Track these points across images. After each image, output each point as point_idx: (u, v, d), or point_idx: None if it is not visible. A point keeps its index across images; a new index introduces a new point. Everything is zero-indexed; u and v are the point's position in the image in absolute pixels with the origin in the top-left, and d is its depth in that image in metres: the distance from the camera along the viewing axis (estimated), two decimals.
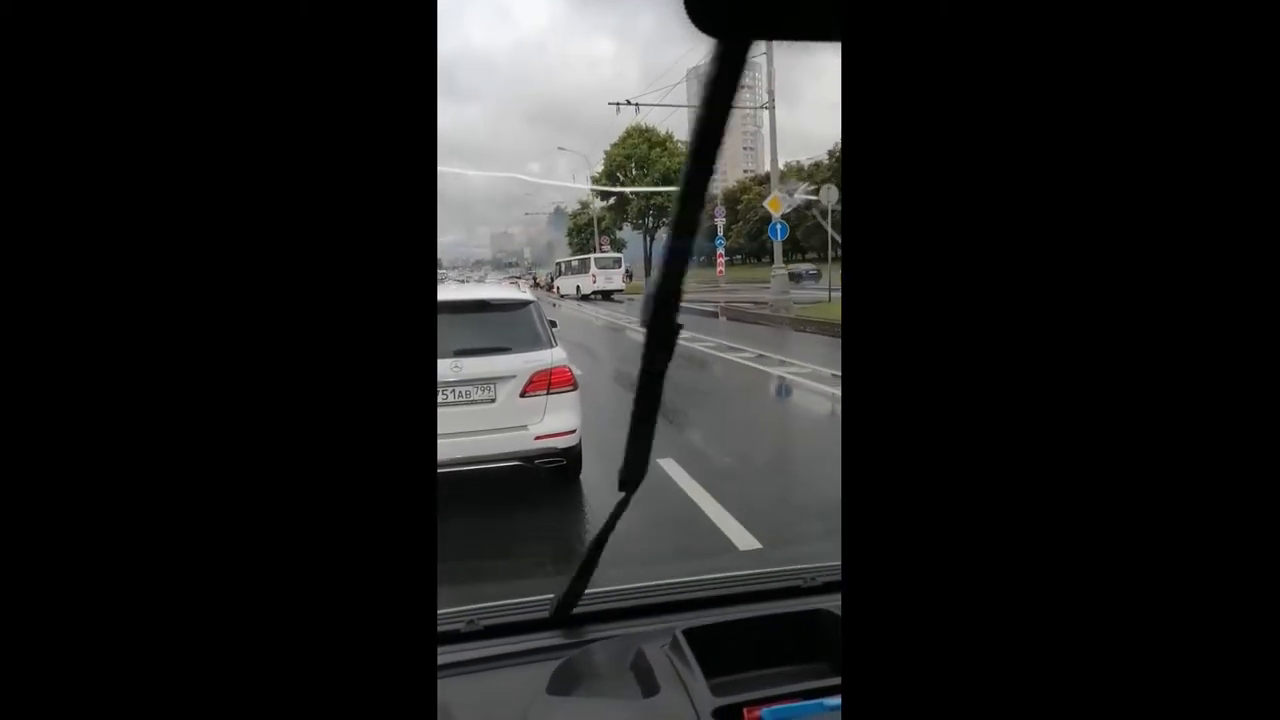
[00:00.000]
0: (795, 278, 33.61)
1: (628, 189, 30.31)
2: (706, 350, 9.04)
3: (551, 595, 0.90)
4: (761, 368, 7.73)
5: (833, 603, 0.86)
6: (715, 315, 15.72)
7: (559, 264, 32.53)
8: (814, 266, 38.69)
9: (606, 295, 26.11)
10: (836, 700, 0.65)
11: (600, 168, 31.68)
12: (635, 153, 29.93)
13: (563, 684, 0.74)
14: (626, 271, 43.92)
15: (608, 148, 31.29)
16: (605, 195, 32.14)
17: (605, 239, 33.91)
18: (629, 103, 14.50)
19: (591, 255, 27.96)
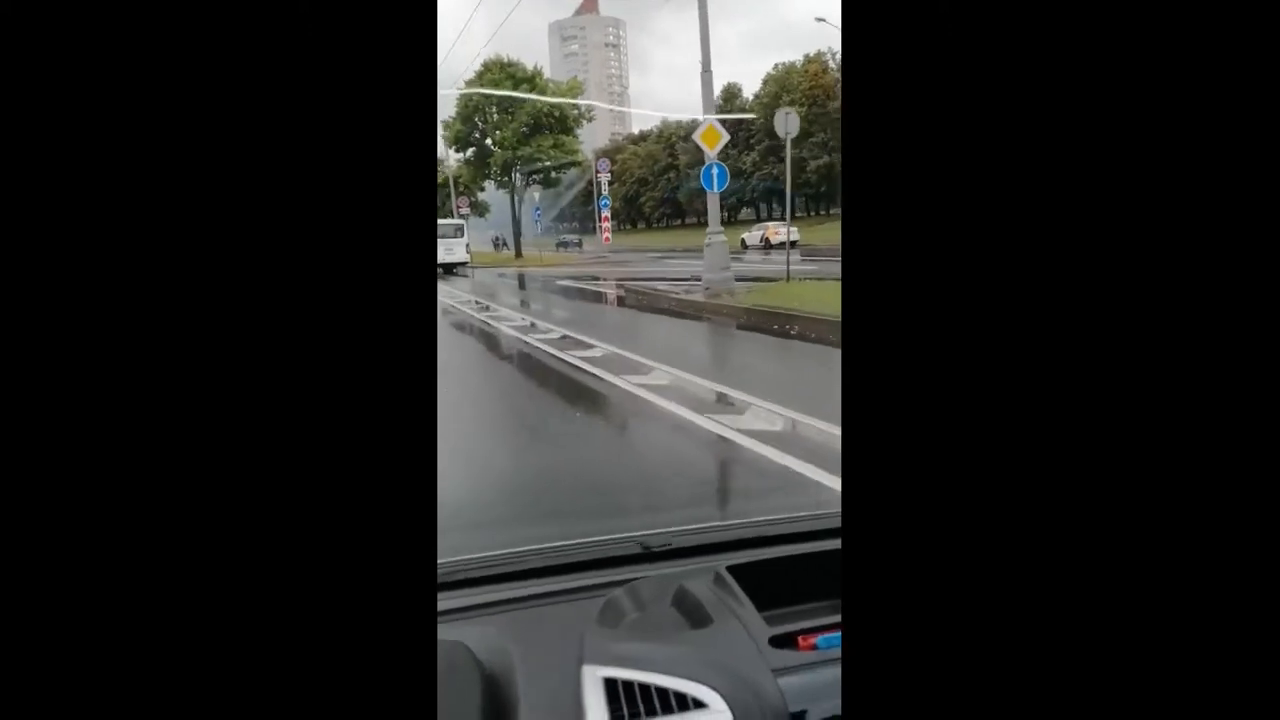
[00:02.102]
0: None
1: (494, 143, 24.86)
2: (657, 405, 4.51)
3: (584, 541, 0.97)
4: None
5: None
6: (602, 299, 11.16)
7: None
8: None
9: (448, 270, 21.37)
10: None
11: (454, 111, 25.87)
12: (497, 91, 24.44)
13: (612, 617, 0.78)
14: (498, 239, 38.37)
15: (461, 85, 25.52)
16: (462, 147, 26.39)
17: (464, 200, 28.26)
18: None
19: None
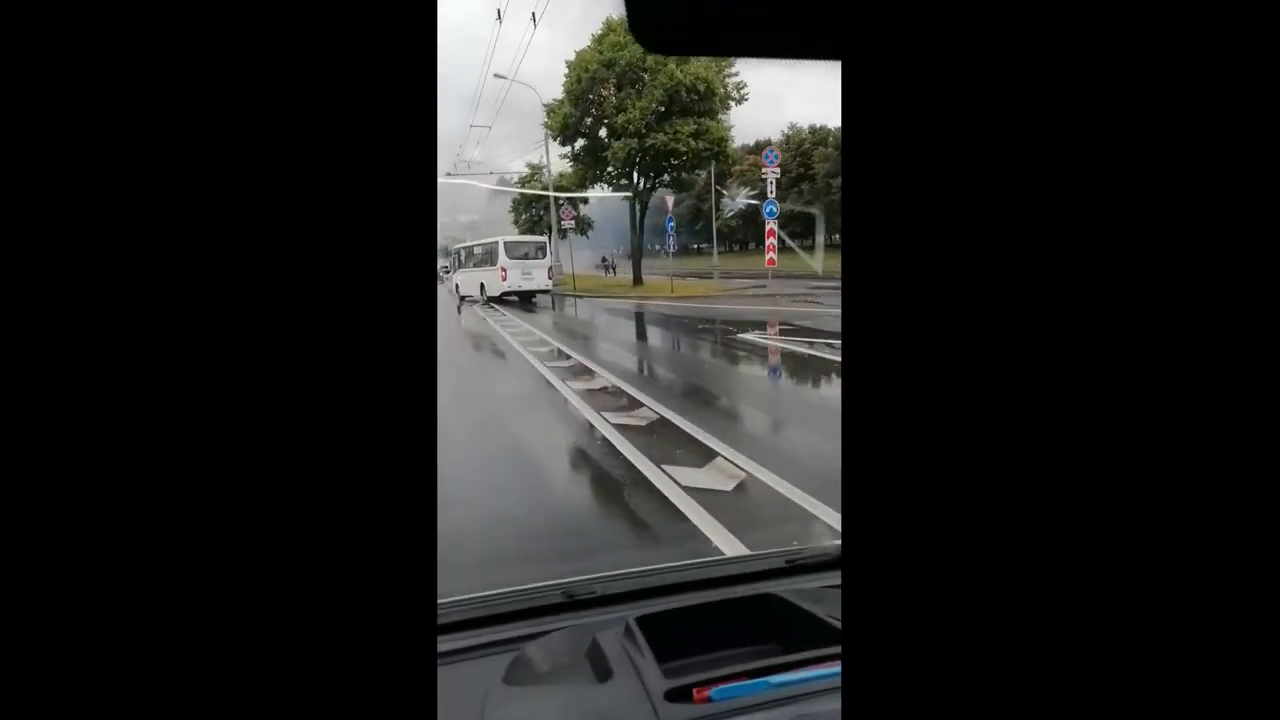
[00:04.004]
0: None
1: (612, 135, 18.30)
2: None
3: (509, 589, 0.95)
4: None
5: (780, 587, 0.95)
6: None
7: (457, 251, 21.37)
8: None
9: (526, 297, 17.34)
10: (782, 677, 0.71)
11: (560, 92, 19.55)
12: (620, 58, 17.88)
13: (519, 674, 0.77)
14: (607, 260, 32.19)
15: (571, 55, 19.17)
16: (569, 139, 20.05)
17: (569, 211, 21.91)
18: None
19: (499, 239, 18.01)
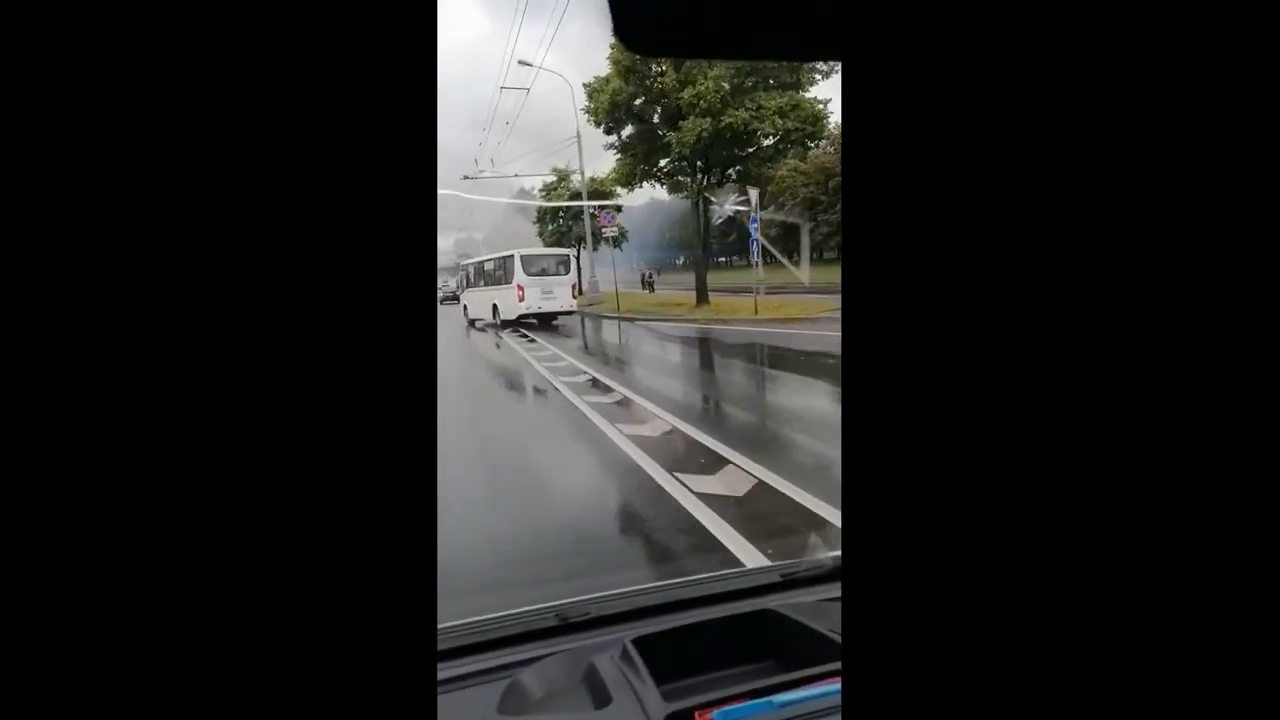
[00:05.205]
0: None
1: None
2: None
3: (499, 614, 0.92)
4: None
5: (777, 602, 0.93)
6: None
7: (466, 268, 19.25)
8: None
9: (546, 320, 15.21)
10: (785, 697, 0.70)
11: (606, 68, 15.94)
12: None
13: (515, 702, 0.76)
14: (647, 276, 28.56)
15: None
16: (616, 125, 16.38)
17: (609, 218, 18.21)
18: None
19: (515, 252, 15.80)
